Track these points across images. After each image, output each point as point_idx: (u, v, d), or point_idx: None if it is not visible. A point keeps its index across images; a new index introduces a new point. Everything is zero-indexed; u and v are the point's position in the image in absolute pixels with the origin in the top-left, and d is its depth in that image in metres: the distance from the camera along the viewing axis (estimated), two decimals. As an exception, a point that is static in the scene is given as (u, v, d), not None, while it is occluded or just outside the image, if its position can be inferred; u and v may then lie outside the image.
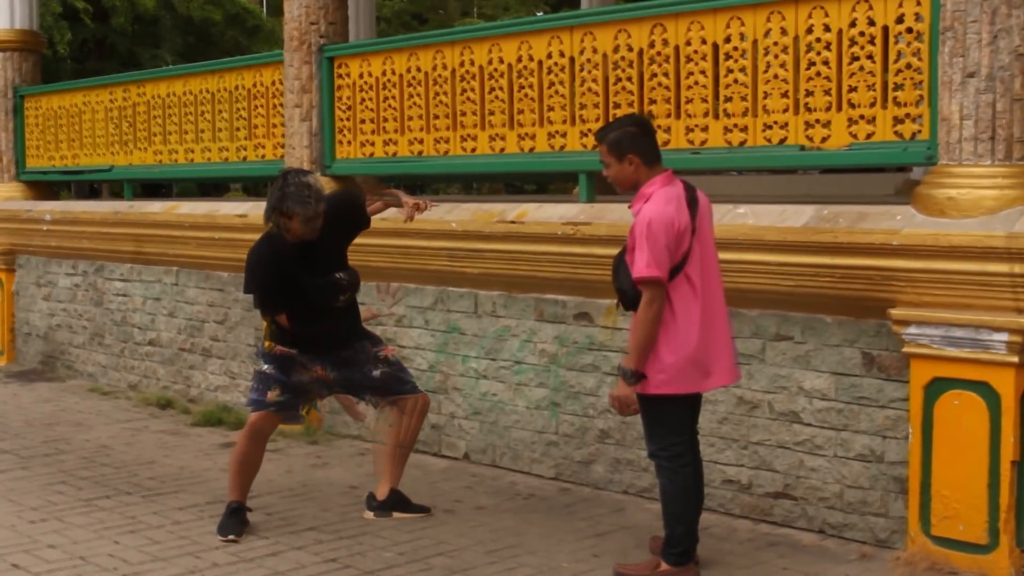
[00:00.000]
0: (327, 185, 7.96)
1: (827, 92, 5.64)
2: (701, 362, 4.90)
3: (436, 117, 7.49)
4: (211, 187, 31.02)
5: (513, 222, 6.77)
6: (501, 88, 7.07)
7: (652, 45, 6.29)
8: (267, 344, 5.83)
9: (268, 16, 32.58)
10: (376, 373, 5.91)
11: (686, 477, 5.00)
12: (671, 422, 4.99)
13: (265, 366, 5.82)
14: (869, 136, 5.52)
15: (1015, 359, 4.89)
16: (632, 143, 4.94)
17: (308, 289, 5.68)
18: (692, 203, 4.95)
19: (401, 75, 7.68)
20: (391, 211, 6.27)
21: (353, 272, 5.90)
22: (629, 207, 5.07)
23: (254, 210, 8.55)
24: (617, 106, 6.45)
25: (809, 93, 5.71)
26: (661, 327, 4.84)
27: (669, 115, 6.24)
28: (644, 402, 4.98)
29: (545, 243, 6.58)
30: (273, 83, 8.68)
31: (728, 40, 5.98)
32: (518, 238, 6.72)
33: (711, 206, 5.18)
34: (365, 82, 7.95)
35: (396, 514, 5.96)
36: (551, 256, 6.56)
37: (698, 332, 4.87)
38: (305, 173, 5.72)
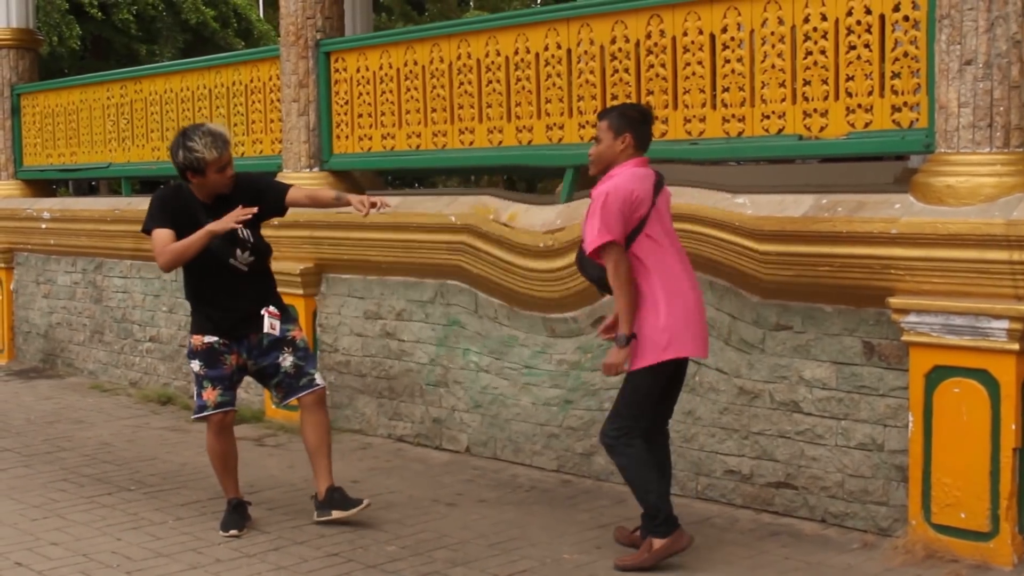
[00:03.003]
0: (326, 180, 7.99)
1: (825, 82, 5.64)
2: (689, 326, 5.05)
3: (433, 110, 7.48)
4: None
5: (505, 224, 6.76)
6: (498, 81, 7.06)
7: (649, 36, 6.29)
8: (193, 340, 5.82)
9: (265, 8, 32.53)
10: (283, 362, 5.84)
11: (638, 448, 5.10)
12: (640, 402, 5.10)
13: (195, 365, 5.79)
14: (867, 125, 5.51)
15: (1015, 346, 4.89)
16: (632, 124, 5.11)
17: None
18: (657, 185, 5.11)
19: (398, 69, 7.68)
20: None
21: (263, 240, 5.89)
22: (589, 194, 5.18)
23: (253, 206, 8.55)
24: (615, 97, 6.44)
25: (807, 83, 5.71)
26: (646, 287, 4.98)
27: (667, 106, 6.24)
28: (627, 378, 5.10)
29: (531, 258, 6.57)
30: (270, 78, 8.67)
31: (725, 30, 5.98)
32: (510, 247, 6.71)
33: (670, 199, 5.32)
34: (362, 76, 7.94)
35: (335, 513, 5.79)
36: (541, 274, 6.55)
37: (682, 295, 5.04)
38: (201, 125, 5.72)
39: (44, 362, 11.12)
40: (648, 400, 5.12)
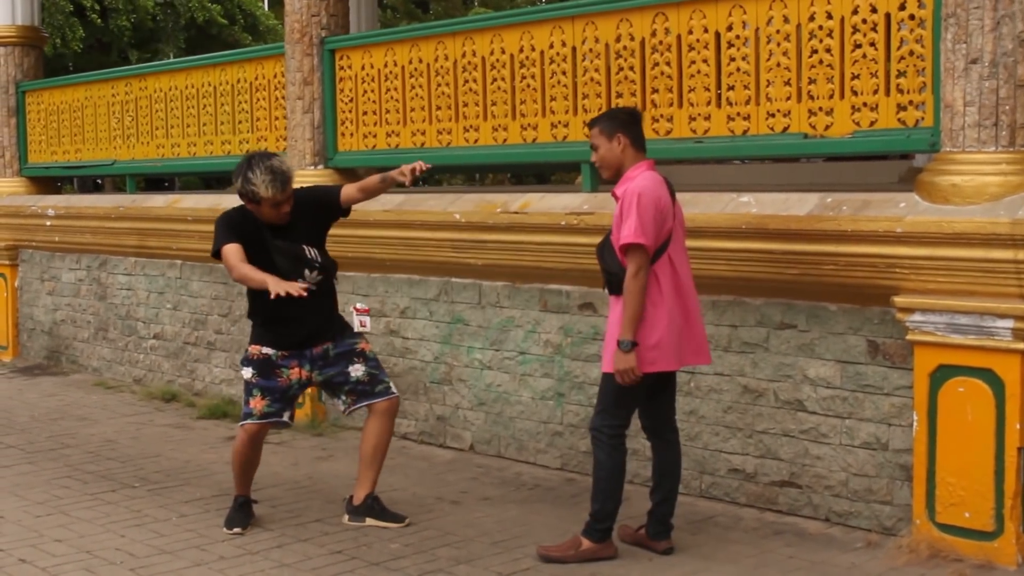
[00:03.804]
0: (330, 178, 7.99)
1: (830, 80, 5.63)
2: (678, 342, 5.09)
3: (438, 108, 7.48)
4: (214, 180, 31.01)
5: (516, 212, 6.77)
6: (503, 79, 7.06)
7: (654, 34, 6.28)
8: (250, 348, 5.81)
9: (270, 8, 32.56)
10: (354, 372, 5.82)
11: (622, 455, 5.20)
12: (627, 403, 5.16)
13: (246, 372, 5.79)
14: (872, 124, 5.51)
15: (1020, 346, 4.89)
16: (622, 125, 5.19)
17: (273, 251, 5.63)
18: (671, 193, 5.18)
19: (403, 66, 7.68)
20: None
21: (328, 257, 5.87)
22: (612, 193, 5.20)
23: (257, 203, 8.55)
24: (619, 95, 6.44)
25: (812, 81, 5.70)
26: (650, 306, 5.01)
27: (672, 104, 6.23)
28: (610, 379, 5.12)
29: (549, 233, 6.58)
30: (275, 76, 8.67)
31: (730, 28, 5.97)
32: (521, 228, 6.72)
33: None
34: (367, 74, 7.94)
35: (369, 520, 5.80)
36: (555, 246, 6.56)
37: (680, 313, 5.09)
38: (269, 156, 5.65)
39: (48, 359, 11.14)
40: (634, 401, 5.19)
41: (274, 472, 6.80)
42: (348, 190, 5.84)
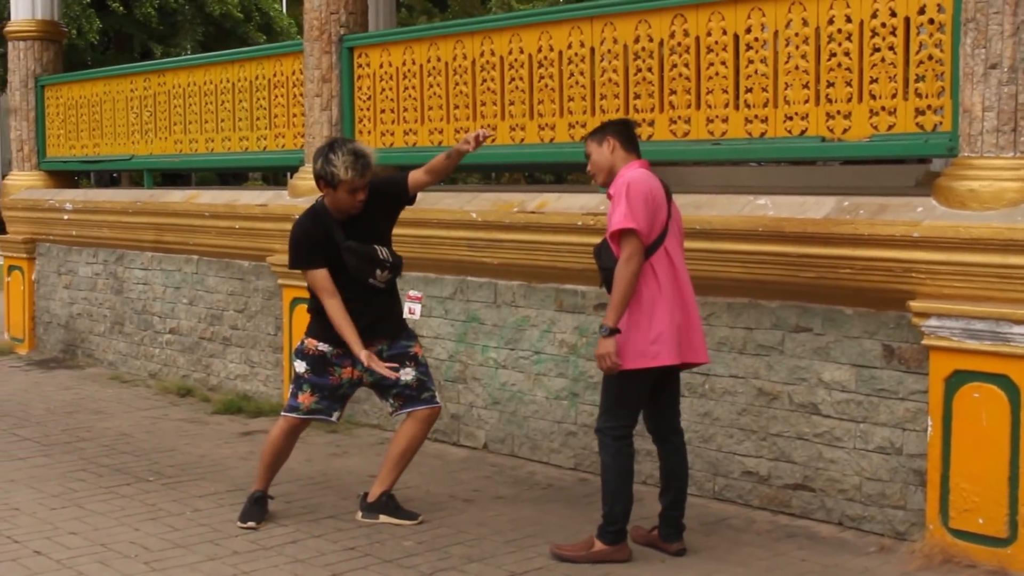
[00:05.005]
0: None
1: (848, 83, 5.62)
2: (678, 336, 5.07)
3: (456, 107, 7.49)
4: (230, 176, 31.14)
5: (533, 212, 6.78)
6: (521, 78, 7.07)
7: (673, 36, 6.28)
8: (307, 342, 5.81)
9: (288, 3, 32.63)
10: (404, 375, 5.78)
11: (628, 457, 5.18)
12: (630, 402, 5.15)
13: (300, 366, 5.80)
14: (890, 128, 5.50)
15: (1036, 352, 4.88)
16: (612, 130, 5.23)
17: (344, 249, 5.61)
18: (667, 193, 5.18)
19: (421, 65, 7.69)
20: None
21: (395, 254, 5.83)
22: (607, 194, 5.19)
23: (274, 199, 8.57)
24: (637, 96, 6.44)
25: (830, 84, 5.69)
26: (649, 300, 5.00)
27: (689, 106, 6.23)
28: (612, 378, 5.11)
29: (565, 233, 6.59)
30: (293, 73, 8.69)
31: (749, 31, 5.97)
32: (538, 228, 6.73)
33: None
34: (385, 72, 7.95)
35: (383, 517, 5.81)
36: (571, 246, 6.57)
37: (680, 308, 5.08)
38: (351, 141, 5.68)
39: (64, 352, 11.19)
40: (637, 401, 5.17)
41: (288, 468, 6.80)
42: (415, 174, 5.79)
